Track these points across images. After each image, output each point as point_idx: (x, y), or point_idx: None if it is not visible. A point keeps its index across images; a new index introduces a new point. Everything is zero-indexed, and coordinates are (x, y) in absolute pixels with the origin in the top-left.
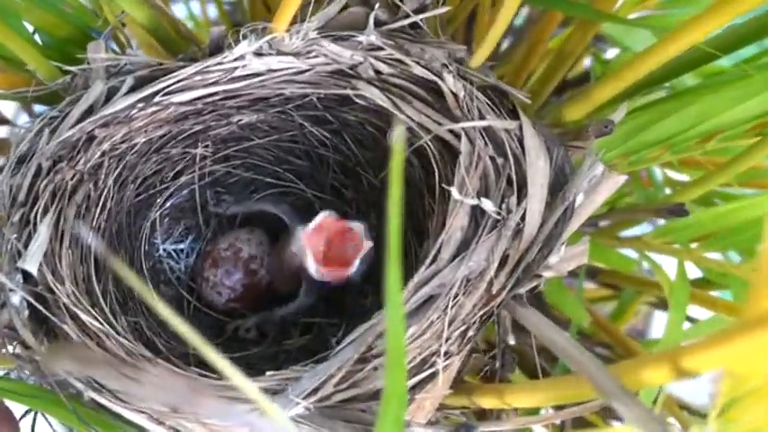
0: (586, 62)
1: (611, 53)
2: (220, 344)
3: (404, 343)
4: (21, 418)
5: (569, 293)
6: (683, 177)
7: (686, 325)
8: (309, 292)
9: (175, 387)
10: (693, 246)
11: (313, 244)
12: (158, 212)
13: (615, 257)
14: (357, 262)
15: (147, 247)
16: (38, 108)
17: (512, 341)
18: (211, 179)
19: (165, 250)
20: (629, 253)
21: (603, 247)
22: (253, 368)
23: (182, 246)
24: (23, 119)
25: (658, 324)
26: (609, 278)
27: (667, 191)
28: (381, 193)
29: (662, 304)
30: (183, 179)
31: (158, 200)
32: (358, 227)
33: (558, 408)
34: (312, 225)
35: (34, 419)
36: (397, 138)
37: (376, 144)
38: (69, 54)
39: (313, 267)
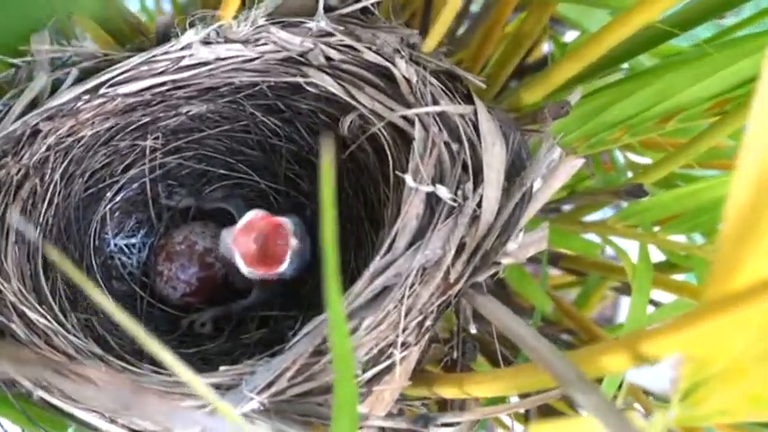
0: (546, 47)
1: (569, 36)
2: (175, 339)
3: (348, 345)
4: None
5: (531, 280)
6: (645, 161)
7: (650, 309)
8: (264, 285)
9: (118, 387)
10: (656, 229)
11: (242, 244)
12: (108, 206)
13: (578, 242)
14: (287, 260)
15: (97, 243)
16: None
17: (473, 329)
18: (162, 171)
19: (116, 245)
20: (593, 238)
21: (566, 232)
22: (209, 363)
23: (133, 240)
24: None
25: (625, 310)
26: (572, 264)
27: (630, 174)
28: (335, 181)
29: (627, 289)
30: (132, 172)
31: (108, 194)
32: (286, 223)
33: (522, 396)
34: (239, 225)
35: None
36: (326, 149)
37: (329, 132)
38: (13, 47)
39: (243, 268)
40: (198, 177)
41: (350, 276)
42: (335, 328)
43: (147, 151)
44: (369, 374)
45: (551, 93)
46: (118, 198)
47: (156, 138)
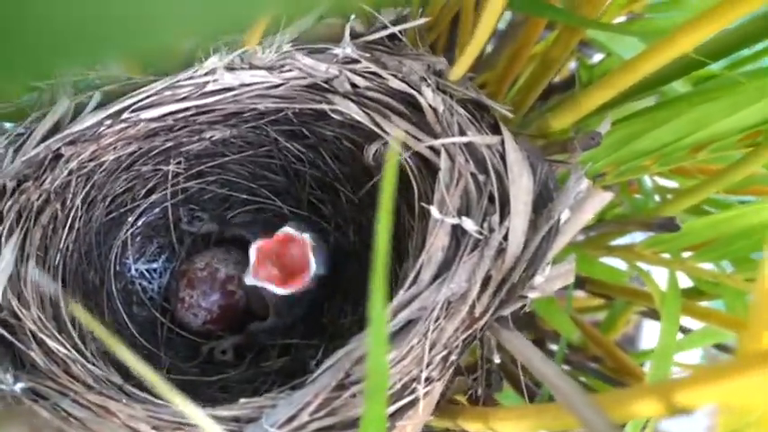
0: (571, 65)
1: (596, 57)
2: (195, 366)
3: (386, 367)
4: None
5: (558, 307)
6: (672, 184)
7: (678, 335)
8: (279, 311)
9: (137, 420)
10: (685, 255)
11: (265, 275)
12: (130, 231)
13: (603, 269)
14: (311, 261)
15: (118, 268)
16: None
17: (497, 359)
18: (185, 196)
19: (137, 270)
20: (620, 262)
21: (591, 258)
22: (229, 392)
23: (155, 265)
24: None
25: (649, 331)
26: (598, 288)
27: (657, 198)
28: (360, 208)
29: (653, 314)
30: (154, 197)
31: (129, 218)
32: (288, 231)
33: None
34: (251, 261)
35: None
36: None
37: (353, 159)
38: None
39: (277, 291)
40: (220, 202)
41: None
42: (376, 343)
43: (170, 176)
44: (392, 409)
45: (580, 119)
46: (139, 223)
47: (179, 162)
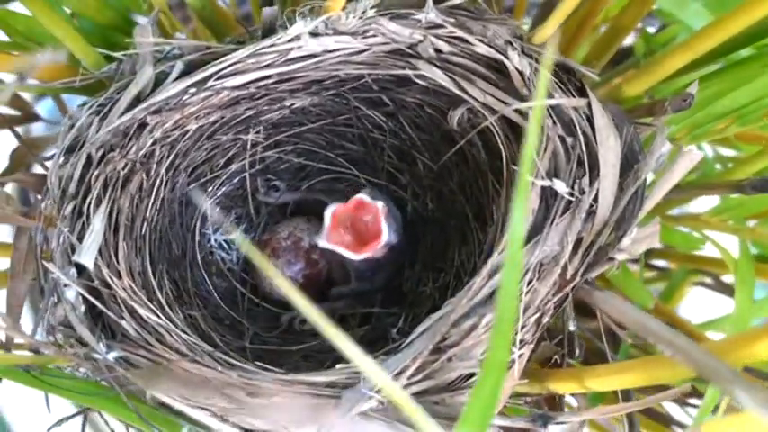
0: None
1: (650, 29)
2: (276, 336)
3: (516, 306)
4: (71, 417)
5: (633, 276)
6: (729, 153)
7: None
8: (360, 277)
9: (233, 386)
10: (751, 224)
11: (338, 240)
12: (209, 201)
13: (679, 236)
14: (384, 226)
15: (198, 238)
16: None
17: (572, 327)
18: (262, 166)
19: (216, 241)
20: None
21: (664, 225)
22: (311, 361)
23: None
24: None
25: (687, 304)
26: (661, 257)
27: (718, 167)
28: (438, 176)
29: (715, 285)
30: (233, 167)
31: (209, 189)
32: (362, 197)
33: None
34: (326, 225)
35: (84, 419)
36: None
37: (434, 126)
38: (111, 40)
39: (353, 257)
40: (296, 172)
41: (455, 274)
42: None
43: (249, 145)
44: None
45: (653, 86)
46: (219, 193)
47: (258, 132)
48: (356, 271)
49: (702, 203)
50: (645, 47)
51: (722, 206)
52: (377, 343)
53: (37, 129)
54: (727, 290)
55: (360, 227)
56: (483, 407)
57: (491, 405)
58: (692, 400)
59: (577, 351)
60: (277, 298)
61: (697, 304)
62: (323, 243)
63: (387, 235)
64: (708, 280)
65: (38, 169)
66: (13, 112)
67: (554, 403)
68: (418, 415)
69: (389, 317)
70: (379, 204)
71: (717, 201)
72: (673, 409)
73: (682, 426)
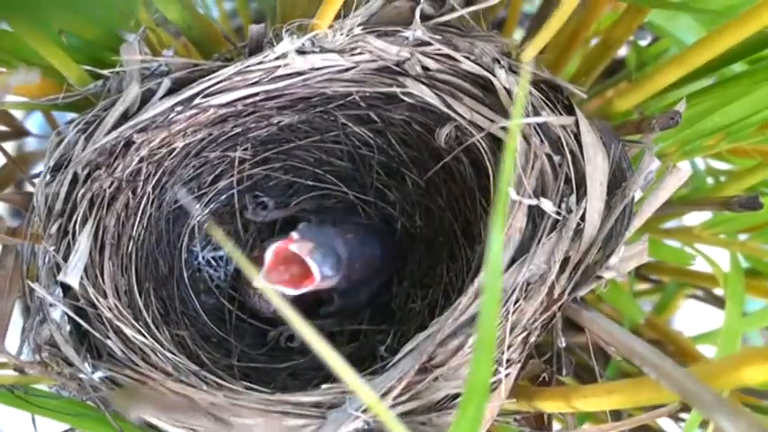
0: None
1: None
2: (264, 354)
3: (495, 326)
4: None
5: (624, 291)
6: (722, 166)
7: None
8: (343, 294)
9: (218, 407)
10: (742, 237)
11: (277, 279)
12: (196, 219)
13: (669, 251)
14: (312, 265)
15: (185, 256)
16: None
17: (562, 343)
18: (250, 183)
19: (203, 258)
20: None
21: (654, 240)
22: (299, 378)
23: (221, 253)
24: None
25: (682, 316)
26: (653, 271)
27: (710, 180)
28: (427, 192)
29: (707, 298)
30: (221, 183)
31: (196, 206)
32: (292, 235)
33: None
34: (266, 263)
35: None
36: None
37: (421, 143)
38: (98, 57)
39: (291, 293)
40: (285, 189)
41: (443, 291)
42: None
43: (236, 162)
44: None
45: (644, 100)
46: (206, 210)
47: (246, 149)
48: (336, 290)
49: (695, 216)
50: (636, 59)
51: (714, 220)
52: (365, 360)
53: (29, 143)
54: (719, 302)
55: (295, 266)
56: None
57: (475, 427)
58: (684, 415)
59: (565, 369)
60: (265, 315)
61: (692, 315)
62: (258, 282)
63: (318, 273)
64: (700, 293)
65: (28, 186)
66: (2, 127)
67: (542, 421)
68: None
69: (378, 334)
70: (305, 246)
71: (709, 214)
72: (665, 423)
73: None
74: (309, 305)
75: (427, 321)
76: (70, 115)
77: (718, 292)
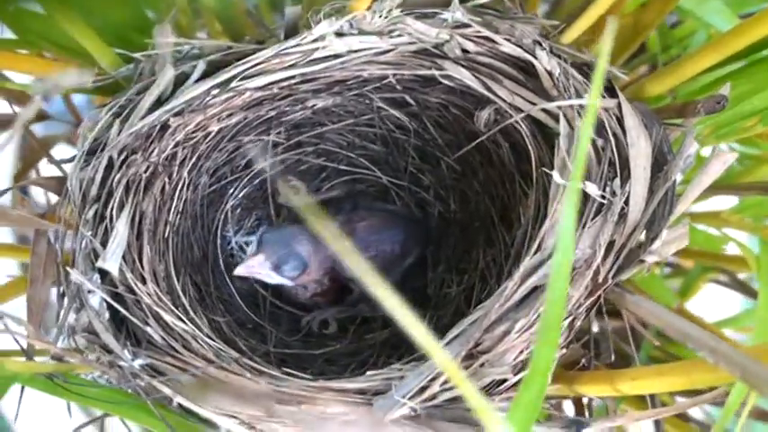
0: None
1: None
2: (299, 340)
3: (560, 321)
4: (90, 423)
5: (655, 275)
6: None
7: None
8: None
9: (262, 394)
10: None
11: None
12: (230, 204)
13: (700, 236)
14: (275, 281)
15: (219, 241)
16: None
17: (595, 328)
18: (283, 167)
19: (236, 243)
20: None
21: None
22: (335, 364)
23: (253, 237)
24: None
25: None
26: (679, 254)
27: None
28: (462, 176)
29: (730, 282)
30: (254, 168)
31: (230, 190)
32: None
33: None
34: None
35: (102, 423)
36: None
37: (458, 126)
38: (126, 39)
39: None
40: (317, 173)
41: (480, 276)
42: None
43: (270, 146)
44: (517, 378)
45: (678, 84)
46: (240, 194)
47: (279, 133)
48: (351, 279)
49: (722, 201)
50: (660, 42)
51: (742, 204)
52: (400, 347)
53: (39, 128)
54: (743, 287)
55: None
56: (528, 409)
57: (535, 408)
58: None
59: (604, 354)
60: (300, 301)
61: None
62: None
63: (276, 281)
64: (722, 277)
65: (47, 169)
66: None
67: (580, 407)
68: (487, 412)
69: None
70: (260, 266)
71: (736, 199)
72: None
73: (702, 425)
74: (337, 293)
75: (463, 306)
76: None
77: (742, 276)
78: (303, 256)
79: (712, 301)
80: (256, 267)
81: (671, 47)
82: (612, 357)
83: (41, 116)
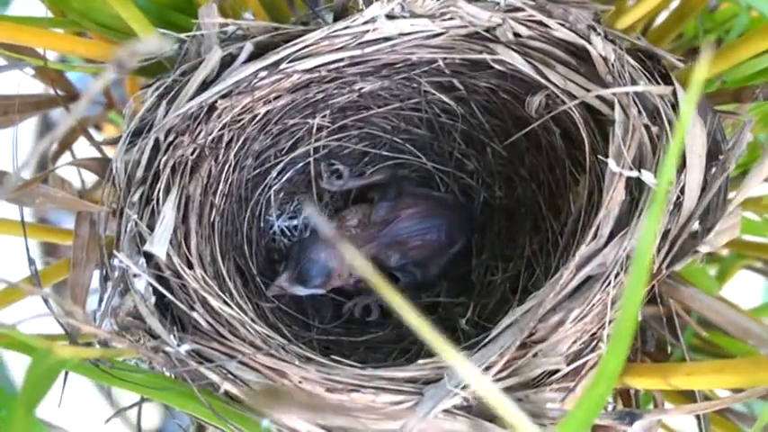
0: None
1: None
2: (340, 326)
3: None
4: (128, 408)
5: (696, 263)
6: None
7: None
8: (404, 272)
9: (377, 404)
10: None
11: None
12: (273, 188)
13: (746, 224)
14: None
15: (262, 225)
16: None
17: (639, 317)
18: (326, 151)
19: (278, 227)
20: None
21: None
22: (377, 352)
23: (295, 222)
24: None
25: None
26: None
27: None
28: (508, 162)
29: (765, 269)
30: (298, 151)
31: (273, 173)
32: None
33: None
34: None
35: (140, 409)
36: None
37: (506, 112)
38: (169, 20)
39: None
40: (360, 157)
41: (525, 263)
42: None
43: (314, 130)
44: (570, 368)
45: (727, 69)
46: (283, 178)
47: (324, 116)
48: (397, 269)
49: (761, 188)
50: (699, 26)
51: None
52: (444, 334)
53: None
54: None
55: None
56: (594, 403)
57: (601, 402)
58: None
59: (648, 343)
60: (347, 287)
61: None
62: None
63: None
64: (758, 264)
65: (84, 151)
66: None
67: (626, 397)
68: (515, 414)
69: (457, 306)
70: (289, 286)
71: None
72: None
73: (740, 416)
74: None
75: (508, 294)
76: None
77: None
78: (323, 263)
79: (735, 285)
80: (284, 286)
81: (710, 31)
82: (653, 347)
83: (75, 97)
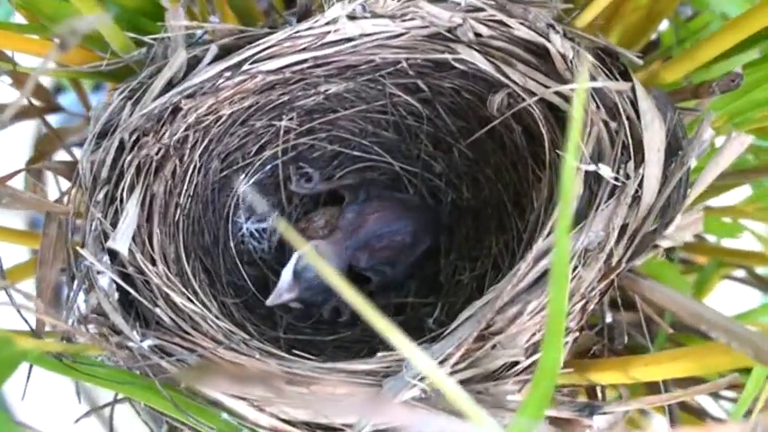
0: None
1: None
2: (310, 327)
3: (564, 309)
4: (103, 407)
5: (671, 266)
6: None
7: None
8: (373, 272)
9: (271, 375)
10: None
11: None
12: (241, 189)
13: (715, 225)
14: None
15: (230, 227)
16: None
17: (608, 318)
18: (294, 154)
19: (248, 230)
20: None
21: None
22: (345, 351)
23: (264, 225)
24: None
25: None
26: (691, 250)
27: (750, 157)
28: (474, 163)
29: (746, 278)
30: (266, 153)
31: (241, 176)
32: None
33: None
34: None
35: (112, 408)
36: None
37: (471, 112)
38: (137, 25)
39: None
40: (329, 160)
41: (492, 263)
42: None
43: (282, 132)
44: (530, 361)
45: (693, 71)
46: (251, 181)
47: (291, 118)
48: (366, 270)
49: (734, 195)
50: (674, 35)
51: (756, 195)
52: (412, 333)
53: (52, 121)
54: (762, 282)
55: None
56: (541, 395)
57: (547, 393)
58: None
59: (617, 340)
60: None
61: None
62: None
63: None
64: (738, 273)
65: (61, 158)
66: (37, 102)
67: (593, 394)
68: (467, 404)
69: (425, 306)
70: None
71: (749, 191)
72: (706, 402)
73: (716, 419)
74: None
75: (475, 294)
76: (102, 93)
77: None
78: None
79: (728, 300)
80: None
81: (685, 40)
82: (625, 342)
83: (54, 108)
